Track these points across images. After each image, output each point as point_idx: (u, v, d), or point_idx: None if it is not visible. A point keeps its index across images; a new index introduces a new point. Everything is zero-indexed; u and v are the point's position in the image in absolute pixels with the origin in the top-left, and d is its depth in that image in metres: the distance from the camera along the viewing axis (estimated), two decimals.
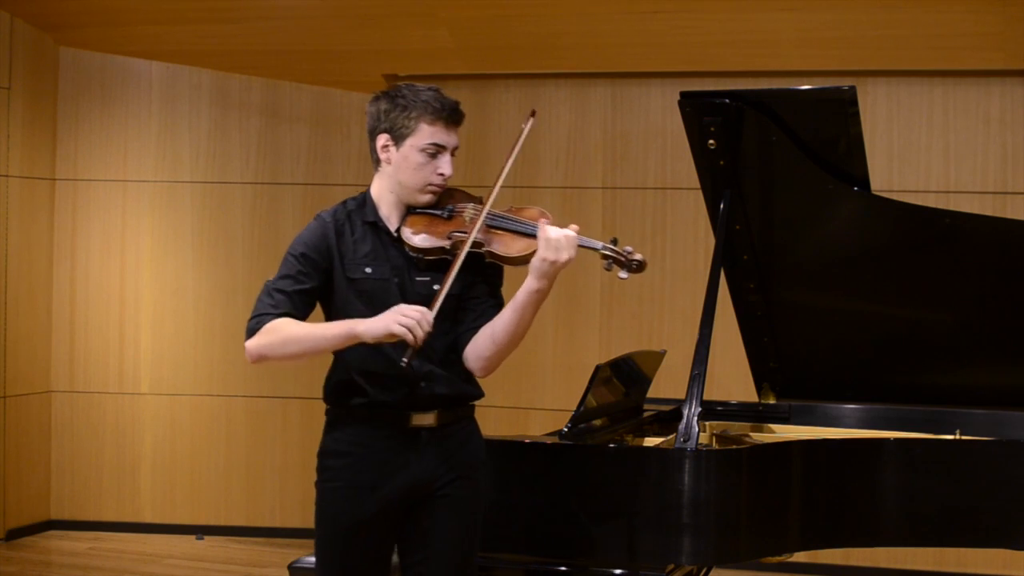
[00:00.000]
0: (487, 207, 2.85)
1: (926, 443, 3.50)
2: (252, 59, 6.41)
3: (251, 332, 2.79)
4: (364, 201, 2.92)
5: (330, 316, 2.88)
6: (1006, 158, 5.86)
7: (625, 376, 3.77)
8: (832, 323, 3.96)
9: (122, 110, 6.62)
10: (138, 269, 6.64)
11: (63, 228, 6.64)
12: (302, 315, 2.83)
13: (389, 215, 2.90)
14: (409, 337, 2.64)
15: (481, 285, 2.92)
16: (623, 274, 2.81)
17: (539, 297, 2.78)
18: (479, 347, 2.88)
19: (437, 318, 2.75)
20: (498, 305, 2.94)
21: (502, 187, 2.94)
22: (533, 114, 2.98)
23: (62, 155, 6.63)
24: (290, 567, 3.61)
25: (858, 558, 5.92)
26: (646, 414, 3.99)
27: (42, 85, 6.51)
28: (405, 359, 2.66)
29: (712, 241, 3.69)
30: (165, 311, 6.61)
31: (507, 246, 2.83)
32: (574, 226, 2.80)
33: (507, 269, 2.93)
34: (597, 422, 3.54)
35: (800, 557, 4.04)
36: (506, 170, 2.92)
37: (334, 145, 6.57)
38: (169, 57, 6.54)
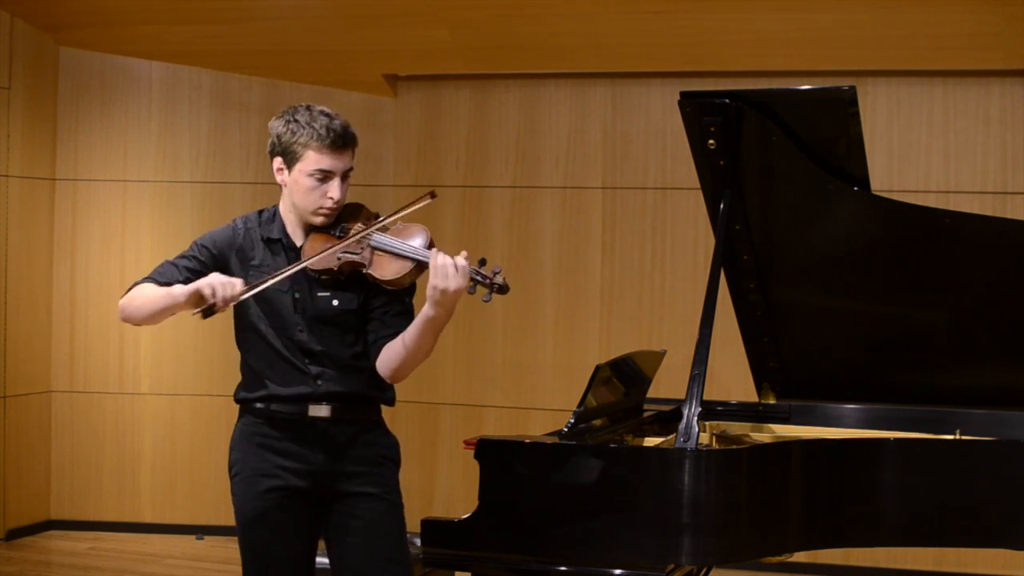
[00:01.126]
0: (371, 229, 2.92)
1: (926, 443, 3.50)
2: (252, 59, 6.41)
3: (126, 292, 2.97)
4: (274, 216, 3.06)
5: (236, 319, 3.08)
6: (1006, 158, 5.86)
7: (625, 376, 3.77)
8: (832, 323, 3.96)
9: (122, 110, 6.62)
10: (138, 269, 6.61)
11: (63, 228, 6.64)
12: (183, 281, 2.96)
13: (293, 231, 3.04)
14: (208, 292, 2.78)
15: (382, 296, 2.99)
16: (486, 296, 2.87)
17: (437, 323, 2.85)
18: (388, 358, 2.97)
19: (338, 331, 2.94)
20: (404, 312, 3.02)
21: (448, 188, 2.98)
22: (432, 195, 2.99)
23: (62, 155, 6.63)
24: None
25: (858, 558, 5.92)
26: (646, 414, 3.99)
27: (42, 85, 6.51)
28: (193, 312, 2.82)
29: (712, 241, 3.69)
30: None
31: (384, 268, 2.91)
32: (464, 253, 2.83)
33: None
34: (597, 422, 3.54)
35: (800, 557, 4.04)
36: (389, 218, 2.96)
37: None
38: (169, 57, 6.54)
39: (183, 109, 6.62)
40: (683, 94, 3.47)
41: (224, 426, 6.52)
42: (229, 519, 7.20)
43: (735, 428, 4.04)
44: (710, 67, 5.95)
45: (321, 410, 2.96)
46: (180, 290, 2.85)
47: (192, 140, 6.62)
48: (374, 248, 2.92)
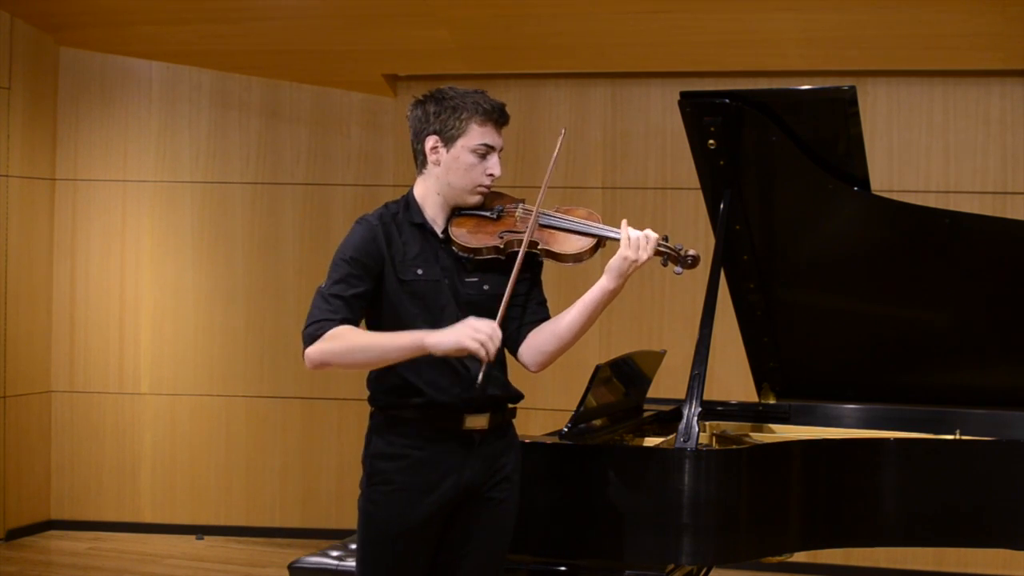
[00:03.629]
0: (537, 206, 2.87)
1: (926, 443, 3.50)
2: (252, 59, 6.41)
3: (311, 338, 2.74)
4: (408, 204, 2.92)
5: (379, 318, 2.85)
6: (1006, 158, 5.85)
7: (625, 376, 3.77)
8: (832, 323, 3.96)
9: (122, 110, 6.62)
10: (138, 269, 6.64)
11: (63, 228, 6.64)
12: (358, 320, 2.81)
13: (435, 217, 2.91)
14: (482, 353, 2.64)
15: (527, 283, 2.96)
16: (678, 269, 2.93)
17: (612, 296, 2.89)
18: (540, 343, 2.95)
19: (487, 316, 2.76)
20: (544, 302, 3.02)
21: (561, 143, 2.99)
22: (564, 133, 3.05)
23: (62, 155, 6.63)
24: (290, 567, 3.61)
25: (858, 558, 5.92)
26: (646, 414, 3.99)
27: (42, 85, 6.51)
28: (479, 379, 2.67)
29: (712, 241, 3.69)
30: (165, 311, 6.61)
31: (564, 244, 2.89)
32: (648, 228, 2.88)
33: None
34: (597, 422, 3.53)
35: (800, 557, 4.04)
36: (550, 171, 2.95)
37: (334, 145, 6.57)
38: (169, 57, 6.54)
39: (183, 109, 6.62)
40: (683, 94, 3.47)
41: (224, 426, 6.59)
42: (229, 519, 7.23)
43: (735, 428, 4.04)
44: (710, 67, 5.95)
45: (478, 421, 2.83)
46: (434, 342, 2.64)
47: (192, 140, 6.62)
48: (546, 226, 2.88)
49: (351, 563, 3.02)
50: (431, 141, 2.89)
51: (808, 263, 3.83)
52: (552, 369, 6.26)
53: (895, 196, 3.73)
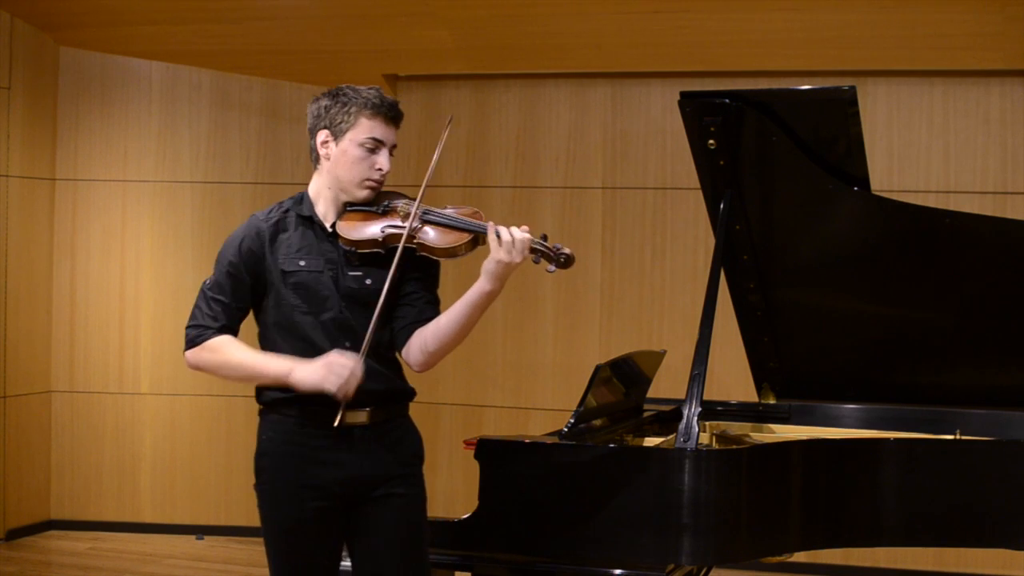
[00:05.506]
0: (419, 200, 2.90)
1: (926, 443, 3.50)
2: (252, 59, 6.41)
3: (191, 343, 2.93)
4: (301, 199, 2.99)
5: (263, 311, 2.95)
6: (1006, 158, 5.86)
7: (625, 376, 3.77)
8: (832, 323, 3.96)
9: (122, 110, 6.62)
10: (138, 269, 6.64)
11: (63, 228, 6.64)
12: (238, 323, 2.94)
13: (325, 212, 2.97)
14: (339, 396, 2.73)
15: (416, 281, 2.96)
16: (551, 268, 2.86)
17: (489, 299, 2.83)
18: (422, 342, 2.92)
19: (371, 313, 2.83)
20: (433, 301, 2.99)
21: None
22: (450, 120, 3.05)
23: (62, 155, 6.63)
24: None
25: (858, 558, 5.92)
26: (646, 414, 3.99)
27: (42, 85, 6.51)
28: (336, 423, 2.75)
29: (712, 241, 3.69)
30: (165, 311, 6.61)
31: (438, 238, 2.88)
32: (524, 227, 2.83)
33: (445, 271, 3.02)
34: (597, 422, 3.54)
35: (800, 557, 4.04)
36: (432, 166, 2.96)
37: None
38: (169, 57, 6.54)
39: (183, 109, 6.62)
40: (683, 94, 3.47)
41: (224, 426, 6.59)
42: (229, 519, 7.23)
43: (735, 428, 4.04)
44: (710, 67, 5.95)
45: (358, 416, 2.88)
46: (299, 378, 2.78)
47: (192, 140, 6.62)
48: (426, 221, 2.89)
49: (349, 562, 3.05)
50: (322, 135, 2.94)
51: (808, 263, 3.83)
52: (552, 369, 6.33)
53: (895, 196, 3.73)
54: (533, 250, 2.83)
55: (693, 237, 6.18)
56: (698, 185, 3.68)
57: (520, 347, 6.38)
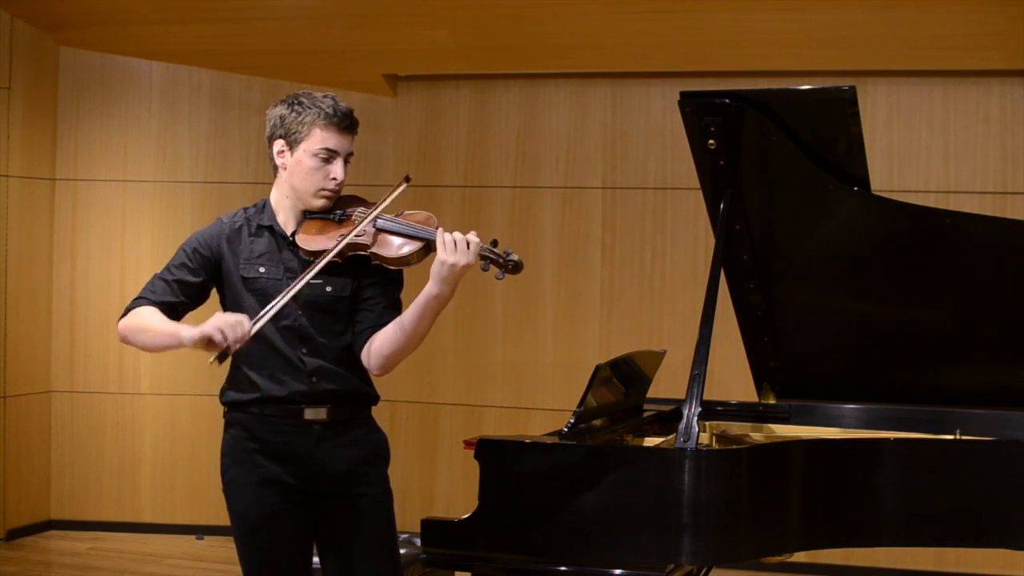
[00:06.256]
0: (375, 211, 2.92)
1: (926, 443, 3.50)
2: (252, 59, 6.41)
3: (124, 313, 2.96)
4: (264, 207, 3.04)
5: (226, 309, 2.98)
6: (1006, 158, 5.86)
7: (625, 376, 3.77)
8: (832, 323, 3.96)
9: (122, 110, 6.63)
10: (138, 269, 6.63)
11: (63, 228, 6.64)
12: (178, 302, 2.97)
13: (286, 220, 3.01)
14: (218, 337, 2.73)
15: (374, 286, 2.99)
16: (499, 274, 2.87)
17: (439, 303, 2.85)
18: (379, 347, 2.95)
19: (330, 318, 2.91)
20: (393, 307, 3.01)
21: (403, 190, 2.99)
22: (407, 179, 3.02)
23: (62, 155, 6.63)
24: None
25: (858, 558, 5.92)
26: (646, 414, 3.99)
27: (42, 85, 6.51)
28: (209, 361, 2.77)
29: (712, 241, 3.69)
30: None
31: (390, 249, 2.91)
32: (473, 232, 2.85)
33: (409, 275, 3.03)
34: (597, 422, 3.53)
35: (800, 557, 4.04)
36: (380, 208, 2.96)
37: None
38: (169, 57, 6.54)
39: (183, 109, 6.62)
40: (683, 94, 3.47)
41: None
42: (229, 519, 7.21)
43: (735, 428, 4.04)
44: (710, 67, 5.95)
45: (319, 413, 2.94)
46: (187, 334, 2.79)
47: (192, 140, 6.62)
48: (379, 230, 2.92)
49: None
50: (278, 145, 3.00)
51: (808, 263, 3.83)
52: (552, 369, 6.32)
53: (895, 196, 3.73)
54: (482, 256, 2.84)
55: (693, 237, 6.18)
56: (698, 185, 3.68)
57: (520, 347, 6.38)
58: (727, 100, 3.43)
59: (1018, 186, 5.84)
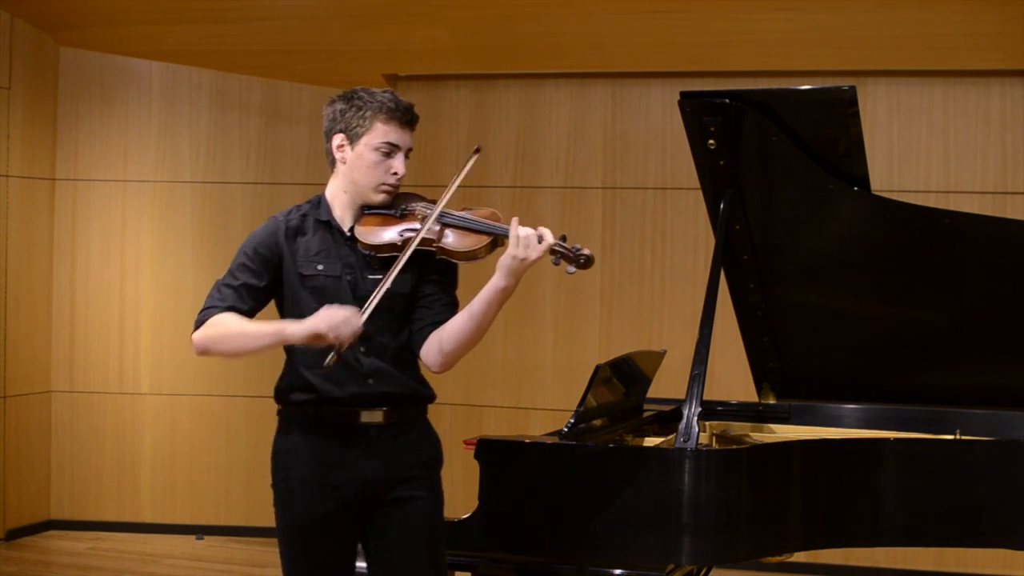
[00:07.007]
0: (440, 205, 2.89)
1: (926, 443, 3.50)
2: (252, 59, 6.41)
3: (197, 325, 2.87)
4: (319, 202, 2.99)
5: (283, 313, 2.94)
6: (1006, 158, 5.86)
7: (625, 376, 3.77)
8: (832, 323, 3.96)
9: (122, 110, 6.62)
10: (138, 269, 6.64)
11: (63, 228, 6.64)
12: (249, 309, 2.90)
13: (343, 215, 2.96)
14: (330, 337, 2.68)
15: (433, 284, 2.96)
16: (571, 269, 2.86)
17: (504, 295, 2.83)
18: (438, 343, 2.92)
19: (388, 316, 2.85)
20: (451, 304, 2.99)
21: (474, 161, 2.98)
22: (477, 150, 3.00)
23: (62, 155, 6.63)
24: None
25: (858, 558, 5.92)
26: (646, 414, 3.99)
27: (42, 85, 6.51)
28: (326, 362, 2.69)
29: (712, 241, 3.69)
30: (165, 311, 6.61)
31: (458, 242, 2.88)
32: (542, 227, 2.84)
33: (463, 271, 3.00)
34: (597, 422, 3.53)
35: (800, 557, 4.04)
36: (459, 178, 2.94)
37: None
38: (169, 57, 6.54)
39: (183, 109, 6.62)
40: (683, 94, 3.47)
41: (224, 426, 6.59)
42: (229, 519, 7.22)
43: (735, 428, 4.04)
44: (710, 67, 5.95)
45: (374, 416, 2.88)
46: (293, 331, 2.73)
47: (192, 140, 6.62)
48: (445, 224, 2.89)
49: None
50: (337, 139, 2.94)
51: (808, 263, 3.83)
52: (552, 369, 6.33)
53: (895, 196, 3.73)
54: (552, 251, 2.83)
55: (693, 237, 6.18)
56: (698, 185, 3.68)
57: (520, 347, 6.38)
58: (727, 100, 3.43)
59: (1018, 186, 5.84)
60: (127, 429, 6.64)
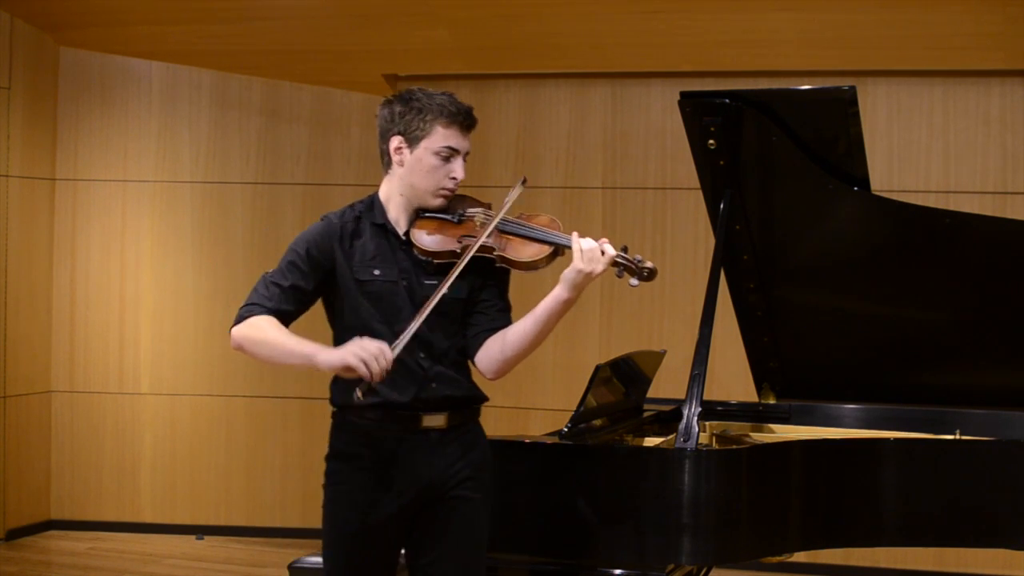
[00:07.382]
0: (501, 212, 2.85)
1: (926, 443, 3.50)
2: (252, 59, 6.41)
3: (239, 319, 2.82)
4: (372, 204, 2.92)
5: (338, 318, 2.88)
6: (1006, 158, 5.85)
7: (625, 376, 3.77)
8: (832, 323, 3.96)
9: (122, 110, 6.62)
10: (138, 269, 6.64)
11: (63, 228, 6.64)
12: (294, 311, 2.84)
13: (397, 218, 2.90)
14: (363, 371, 2.62)
15: (490, 289, 2.93)
16: (634, 281, 2.86)
17: (566, 307, 2.83)
18: (495, 350, 2.89)
19: (445, 321, 2.81)
20: (505, 309, 2.97)
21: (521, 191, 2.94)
22: (524, 182, 2.96)
23: (62, 155, 6.63)
24: (290, 567, 3.60)
25: (858, 558, 5.92)
26: (646, 414, 3.99)
27: (42, 85, 6.51)
28: (359, 393, 2.64)
29: (712, 241, 3.69)
30: (165, 311, 6.61)
31: (519, 251, 2.85)
32: (604, 239, 2.82)
33: (513, 275, 2.95)
34: (597, 422, 3.53)
35: (800, 557, 4.04)
36: (506, 208, 2.88)
37: (334, 145, 6.57)
38: (169, 57, 6.54)
39: (183, 109, 6.62)
40: (683, 94, 3.47)
41: (224, 426, 6.59)
42: (229, 519, 7.22)
43: (735, 428, 4.04)
44: (710, 67, 5.95)
45: (436, 420, 2.83)
46: (324, 359, 2.66)
47: (192, 140, 6.62)
48: (504, 232, 2.86)
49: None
50: (395, 141, 2.87)
51: (808, 263, 3.83)
52: (552, 369, 6.32)
53: (895, 196, 3.73)
54: (615, 263, 2.82)
55: (693, 237, 6.18)
56: (698, 185, 3.68)
57: None
58: (727, 100, 3.43)
59: (1018, 186, 5.84)
60: (127, 429, 6.64)
